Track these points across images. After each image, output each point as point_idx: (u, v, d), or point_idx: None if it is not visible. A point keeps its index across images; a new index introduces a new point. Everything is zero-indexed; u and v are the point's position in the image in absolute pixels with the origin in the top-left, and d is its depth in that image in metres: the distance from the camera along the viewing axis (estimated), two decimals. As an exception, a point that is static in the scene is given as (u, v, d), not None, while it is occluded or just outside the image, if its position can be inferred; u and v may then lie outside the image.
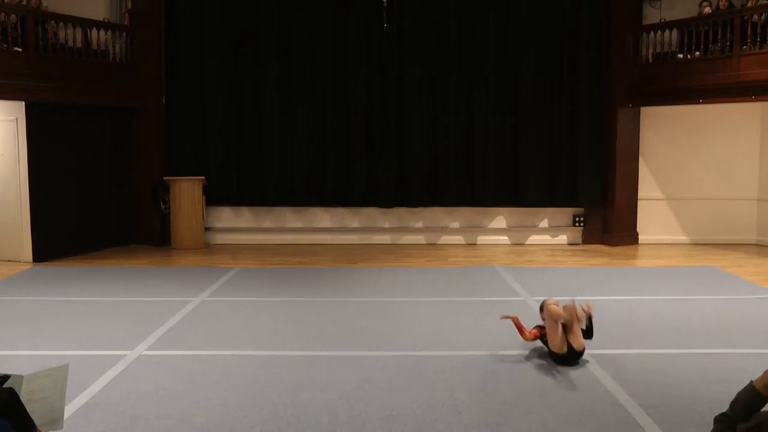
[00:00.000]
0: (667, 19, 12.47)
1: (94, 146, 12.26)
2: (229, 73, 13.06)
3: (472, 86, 13.04)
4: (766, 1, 11.19)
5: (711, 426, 3.45)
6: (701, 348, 6.69)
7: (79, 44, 11.55)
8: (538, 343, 6.60)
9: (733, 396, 3.39)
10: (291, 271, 10.67)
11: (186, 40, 13.03)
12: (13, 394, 3.56)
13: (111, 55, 12.28)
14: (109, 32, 12.26)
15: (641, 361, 6.26)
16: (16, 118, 11.04)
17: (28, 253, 11.05)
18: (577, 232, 13.47)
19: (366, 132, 13.12)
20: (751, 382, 3.28)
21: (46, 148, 11.20)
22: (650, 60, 12.51)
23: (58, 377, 3.85)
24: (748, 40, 10.78)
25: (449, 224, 13.58)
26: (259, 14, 12.99)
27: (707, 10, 11.92)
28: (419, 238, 13.48)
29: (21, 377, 3.77)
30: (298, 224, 13.58)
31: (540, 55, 12.94)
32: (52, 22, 11.12)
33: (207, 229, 13.20)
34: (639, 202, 13.26)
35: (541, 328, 6.41)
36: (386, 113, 13.11)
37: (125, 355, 6.41)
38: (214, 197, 13.05)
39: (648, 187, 13.29)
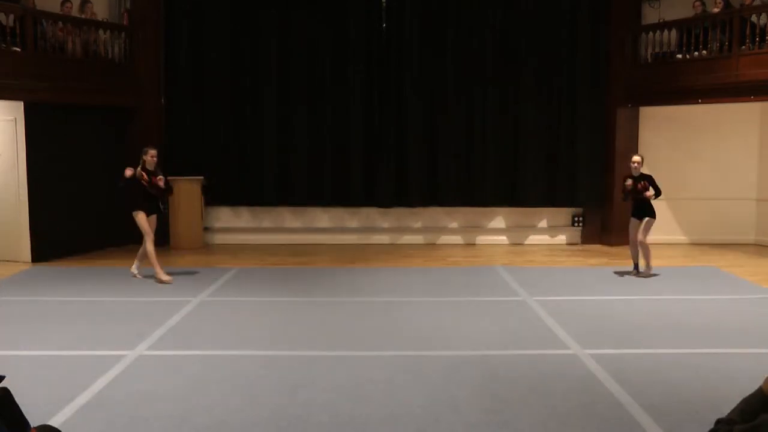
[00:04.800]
0: (666, 19, 12.48)
1: (92, 146, 12.23)
2: (227, 73, 13.05)
3: (471, 86, 13.04)
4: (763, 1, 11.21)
5: (711, 425, 3.45)
6: (701, 348, 6.69)
7: (78, 44, 11.53)
8: (537, 343, 6.62)
9: (733, 394, 3.39)
10: (290, 271, 10.67)
11: (185, 40, 13.03)
12: (7, 394, 3.55)
13: (110, 55, 12.27)
14: (108, 32, 12.24)
15: (641, 361, 6.26)
16: (15, 118, 11.03)
17: (26, 253, 11.04)
18: (575, 232, 13.48)
19: (365, 132, 13.12)
20: (760, 387, 3.27)
21: (45, 148, 11.19)
22: (649, 60, 12.51)
23: None
24: (747, 40, 10.78)
25: (448, 224, 13.58)
26: (258, 14, 12.99)
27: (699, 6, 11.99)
28: (418, 238, 13.49)
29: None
30: (297, 224, 13.58)
31: (539, 55, 12.95)
32: (51, 21, 11.10)
33: (206, 229, 13.20)
34: (638, 202, 13.26)
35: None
36: (385, 113, 13.11)
37: (125, 355, 6.41)
38: (213, 197, 13.05)
39: (647, 187, 13.28)
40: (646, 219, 9.93)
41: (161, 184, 9.64)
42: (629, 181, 9.88)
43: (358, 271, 10.65)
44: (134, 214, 9.68)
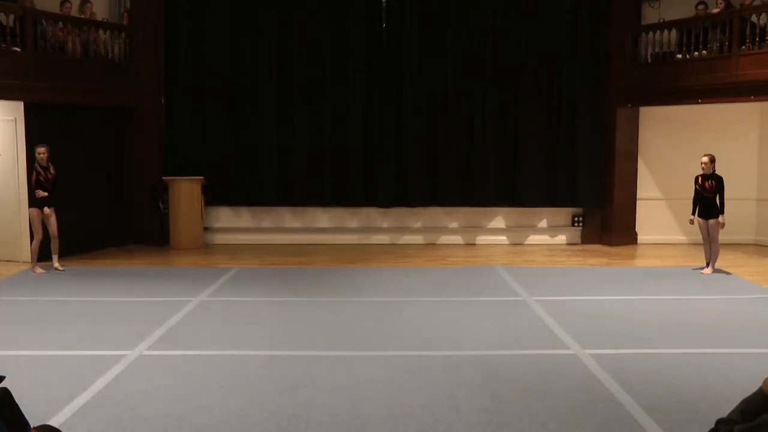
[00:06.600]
0: (666, 19, 12.48)
1: (92, 146, 12.23)
2: (227, 73, 13.04)
3: (471, 86, 13.03)
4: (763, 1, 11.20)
5: (711, 425, 3.45)
6: (701, 348, 6.69)
7: (77, 44, 11.53)
8: (537, 343, 6.64)
9: (733, 394, 3.39)
10: (290, 271, 10.67)
11: (185, 41, 13.02)
12: (7, 394, 3.55)
13: (110, 55, 12.26)
14: (108, 32, 12.24)
15: (641, 361, 6.26)
16: (15, 118, 11.03)
17: (27, 253, 11.01)
18: (575, 232, 13.48)
19: (365, 131, 13.11)
20: (760, 387, 3.28)
21: (49, 148, 11.16)
22: (649, 60, 12.51)
23: None
24: (747, 40, 10.78)
25: (448, 224, 13.58)
26: (258, 14, 12.99)
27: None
28: (418, 238, 13.48)
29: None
30: (297, 224, 13.57)
31: (539, 55, 12.94)
32: (51, 21, 11.10)
33: (206, 229, 13.19)
34: (638, 202, 13.27)
35: None
36: (385, 113, 13.11)
37: (125, 355, 6.41)
38: (213, 197, 13.04)
39: (647, 186, 13.30)
40: (712, 221, 10.04)
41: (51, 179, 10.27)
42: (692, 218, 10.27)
43: (358, 271, 10.64)
44: (29, 210, 10.38)
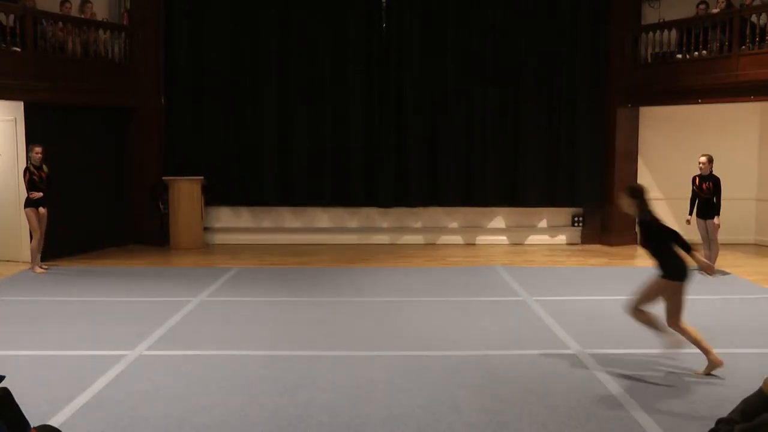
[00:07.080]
0: (666, 19, 12.48)
1: (92, 146, 12.23)
2: (227, 73, 13.04)
3: (471, 86, 13.04)
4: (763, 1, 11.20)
5: (711, 425, 3.45)
6: (701, 348, 6.69)
7: (77, 44, 11.53)
8: (537, 343, 6.64)
9: (733, 394, 3.39)
10: (290, 271, 10.67)
11: (185, 41, 13.02)
12: (7, 394, 3.55)
13: (110, 56, 12.26)
14: (108, 32, 12.24)
15: (641, 361, 6.26)
16: (15, 118, 11.03)
17: (27, 253, 11.02)
18: (575, 232, 13.48)
19: (365, 131, 13.11)
20: (761, 387, 3.28)
21: (45, 148, 11.16)
22: (649, 60, 12.51)
23: None
24: (747, 40, 10.78)
25: (448, 224, 13.58)
26: (258, 14, 12.99)
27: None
28: (418, 238, 13.48)
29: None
30: (297, 224, 13.57)
31: (539, 55, 12.95)
32: (51, 21, 11.10)
33: (206, 229, 13.19)
34: (638, 202, 13.25)
35: None
36: (385, 113, 13.11)
37: (125, 355, 6.41)
38: (213, 197, 13.04)
39: (647, 186, 13.26)
40: (710, 221, 10.06)
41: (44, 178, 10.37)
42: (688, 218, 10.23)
43: (358, 271, 10.65)
44: (25, 210, 10.37)
